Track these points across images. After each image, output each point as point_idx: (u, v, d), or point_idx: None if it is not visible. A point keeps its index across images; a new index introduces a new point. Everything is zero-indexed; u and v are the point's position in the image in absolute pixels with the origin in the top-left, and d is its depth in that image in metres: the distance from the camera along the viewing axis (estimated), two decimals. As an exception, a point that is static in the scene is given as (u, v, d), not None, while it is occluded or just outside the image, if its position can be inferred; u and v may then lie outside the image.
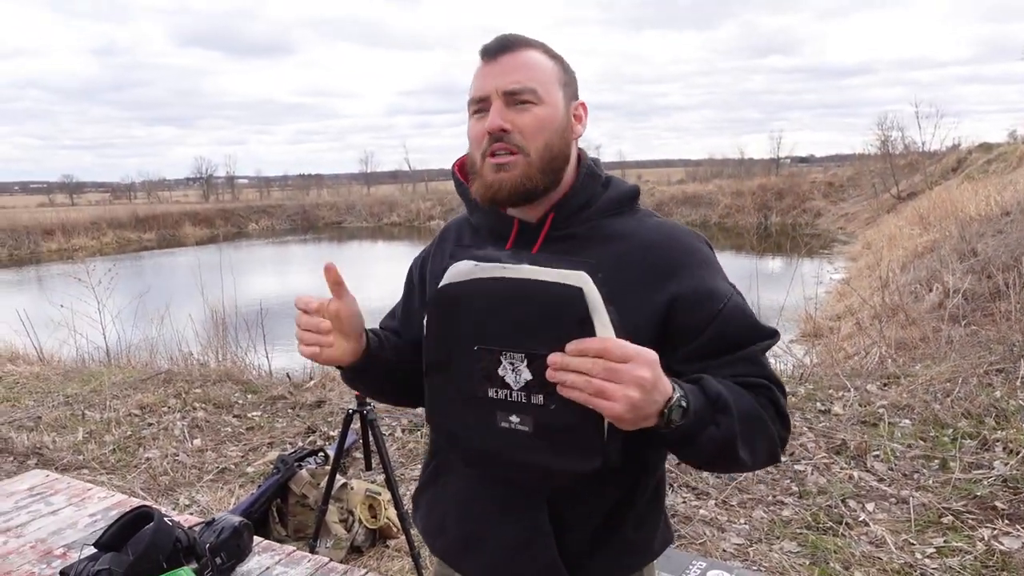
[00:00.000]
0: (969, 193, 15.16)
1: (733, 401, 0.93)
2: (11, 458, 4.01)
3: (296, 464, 3.07)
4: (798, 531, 2.89)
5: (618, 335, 0.85)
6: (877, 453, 3.45)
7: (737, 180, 36.62)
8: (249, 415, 4.64)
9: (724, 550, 2.80)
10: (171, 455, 4.01)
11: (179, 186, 73.77)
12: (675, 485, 3.32)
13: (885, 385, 4.39)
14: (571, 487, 1.00)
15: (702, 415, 0.90)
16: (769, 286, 6.65)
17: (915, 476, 3.23)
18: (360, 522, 2.90)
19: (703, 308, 0.99)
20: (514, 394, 0.93)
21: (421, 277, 1.23)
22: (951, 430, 3.59)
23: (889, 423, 3.75)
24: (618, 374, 0.81)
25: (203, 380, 5.43)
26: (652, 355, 0.83)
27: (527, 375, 0.91)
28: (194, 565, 1.26)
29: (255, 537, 1.45)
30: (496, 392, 0.94)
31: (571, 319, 0.86)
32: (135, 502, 1.56)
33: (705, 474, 3.41)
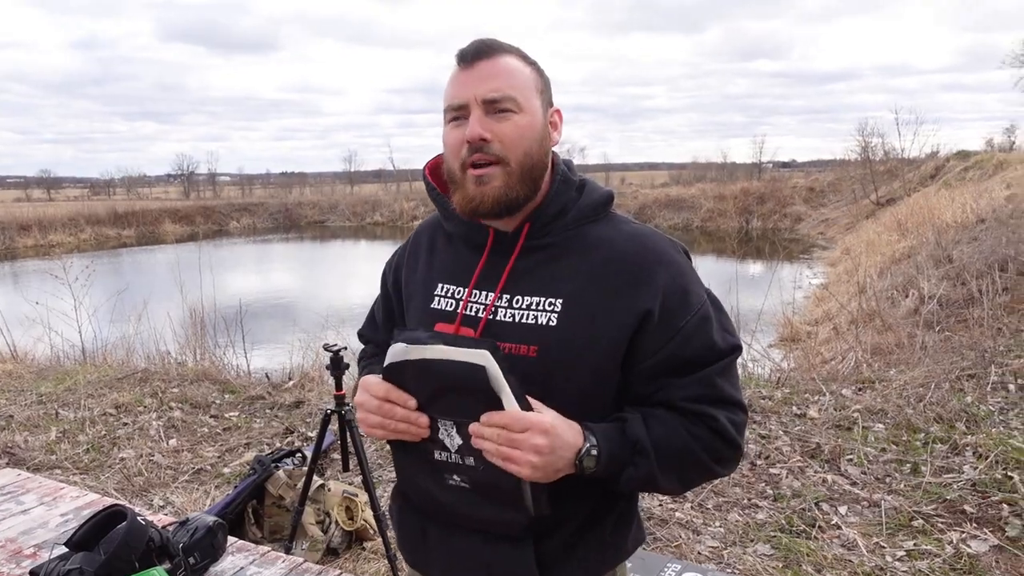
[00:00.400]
0: (946, 200, 15.43)
1: (654, 442, 0.99)
2: (-18, 458, 3.95)
3: (273, 465, 3.05)
4: (772, 534, 2.92)
5: (520, 403, 0.94)
6: (851, 457, 3.50)
7: (720, 184, 36.92)
8: (226, 415, 4.61)
9: (699, 552, 2.83)
10: (146, 455, 3.97)
11: (160, 183, 72.96)
12: (652, 488, 3.34)
13: (860, 390, 4.45)
14: (554, 490, 1.01)
15: (619, 458, 0.98)
16: (749, 290, 6.72)
17: (887, 480, 3.28)
18: (337, 524, 2.89)
19: (666, 325, 1.01)
20: (452, 456, 1.04)
21: (395, 282, 1.23)
22: (923, 434, 3.65)
23: (863, 427, 3.80)
24: (517, 443, 0.92)
25: (180, 379, 5.38)
26: (547, 422, 0.93)
27: (459, 440, 1.02)
28: (167, 565, 1.25)
29: (229, 537, 1.44)
30: (440, 454, 1.05)
31: (479, 392, 0.94)
32: (108, 502, 1.55)
33: (682, 477, 3.45)
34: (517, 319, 1.03)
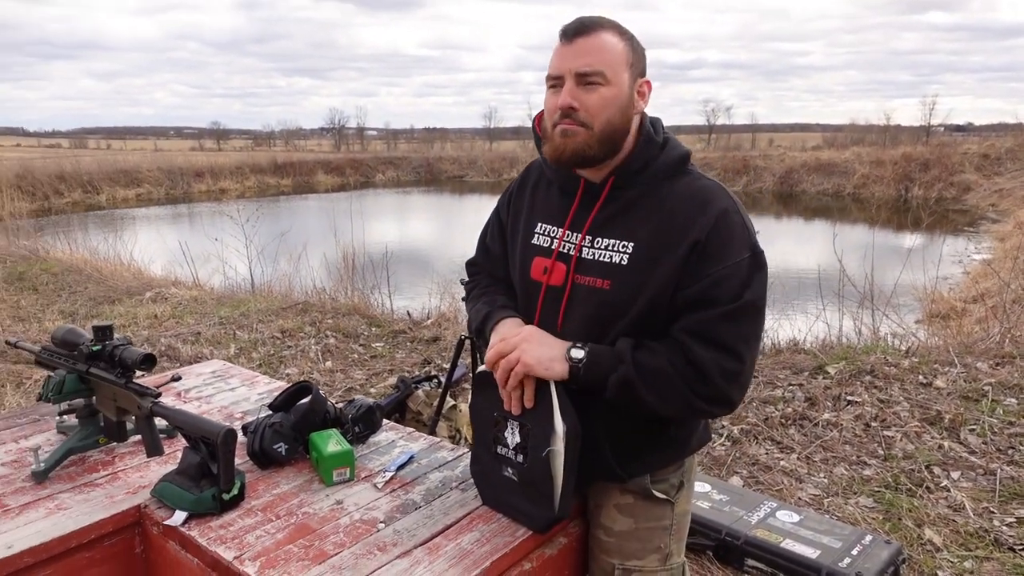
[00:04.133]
0: None
1: (634, 357, 1.20)
2: (179, 364, 4.71)
3: (414, 385, 3.48)
4: (876, 489, 3.00)
5: (563, 412, 1.24)
6: (973, 427, 3.45)
7: (879, 148, 34.20)
8: (373, 345, 5.16)
9: (799, 498, 2.96)
10: (307, 373, 4.56)
11: (314, 135, 77.57)
12: (759, 438, 3.48)
13: (997, 364, 4.27)
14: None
15: (603, 361, 1.22)
16: (898, 262, 6.40)
17: (1009, 451, 3.23)
18: (466, 440, 3.28)
19: (702, 264, 1.19)
20: (510, 452, 1.34)
21: (508, 213, 1.47)
22: (1059, 412, 3.51)
23: (993, 400, 3.70)
24: (511, 348, 1.26)
25: (334, 312, 6.02)
26: (525, 330, 1.29)
27: (518, 438, 1.32)
28: (340, 430, 1.63)
29: (384, 421, 1.81)
30: (501, 448, 1.36)
31: (541, 401, 1.28)
32: (291, 388, 1.96)
33: (792, 431, 3.55)
34: (597, 257, 1.26)
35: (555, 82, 1.22)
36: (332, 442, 1.54)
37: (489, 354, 1.29)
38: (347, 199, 23.21)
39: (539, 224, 1.37)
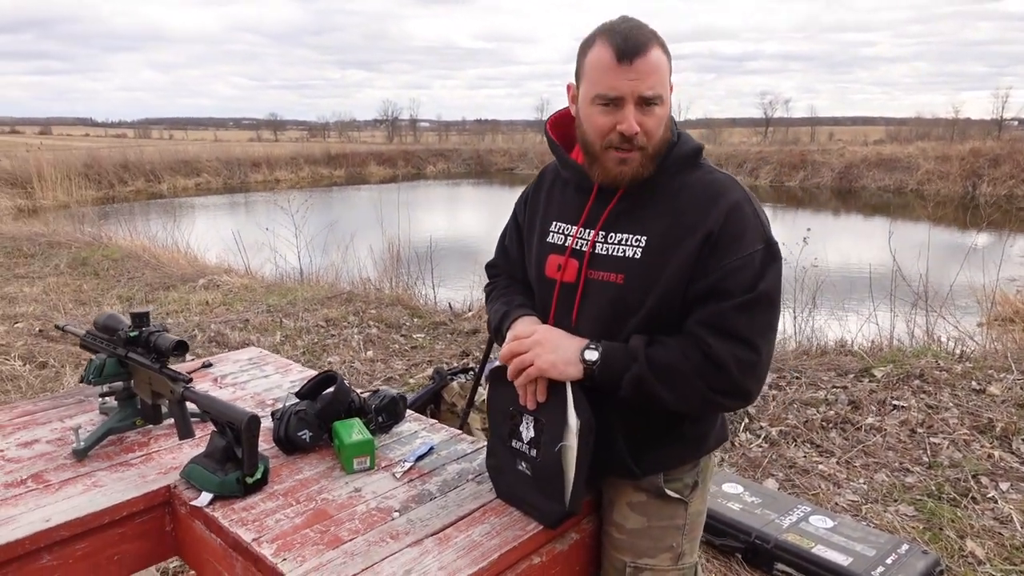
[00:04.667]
0: None
1: (648, 354, 1.19)
2: (227, 350, 4.86)
3: (449, 376, 3.52)
4: (918, 497, 2.91)
5: (578, 408, 1.24)
6: (1027, 436, 3.31)
7: (945, 143, 32.88)
8: (414, 336, 5.23)
9: (836, 503, 2.90)
10: (348, 361, 4.66)
11: (367, 127, 78.74)
12: (798, 440, 3.41)
13: (1058, 372, 4.09)
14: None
15: (617, 360, 1.21)
16: (963, 261, 6.13)
17: (1064, 463, 3.09)
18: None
19: (714, 257, 1.18)
20: (524, 446, 1.36)
21: (524, 215, 1.48)
22: (1122, 424, 3.34)
23: (1050, 409, 3.55)
24: (525, 348, 1.27)
25: (378, 302, 6.12)
26: (540, 332, 1.29)
27: (532, 433, 1.34)
28: (363, 419, 1.66)
29: (408, 411, 1.84)
30: (515, 443, 1.38)
31: (555, 397, 1.28)
32: (322, 377, 2.01)
33: (833, 434, 3.47)
34: (610, 252, 1.26)
35: (609, 101, 1.19)
36: (354, 431, 1.58)
37: (503, 352, 1.30)
38: (398, 190, 23.50)
39: (554, 223, 1.38)
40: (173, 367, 1.57)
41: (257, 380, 2.09)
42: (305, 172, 33.27)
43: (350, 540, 1.29)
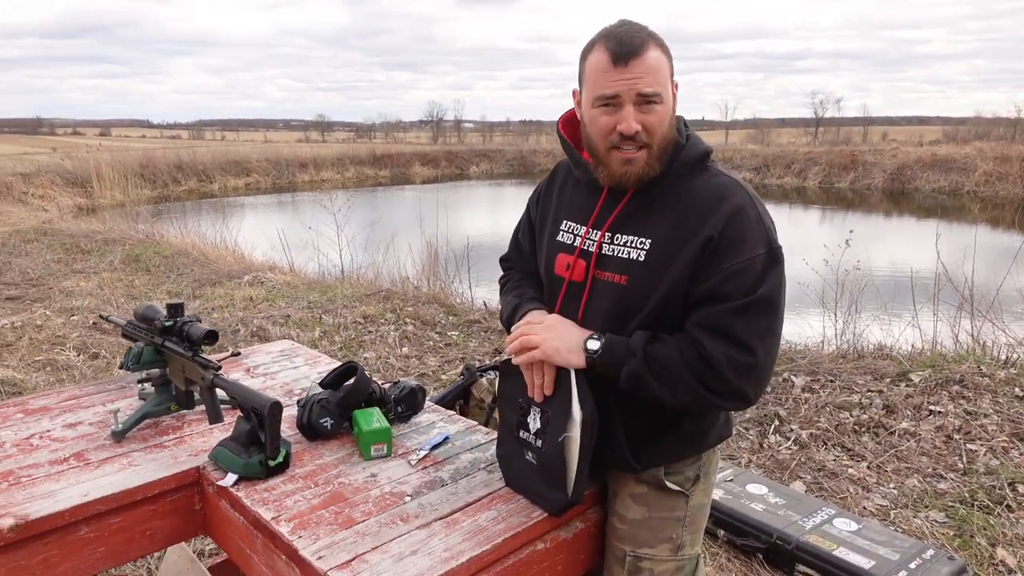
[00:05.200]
0: None
1: (646, 350, 1.22)
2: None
3: (478, 372, 3.58)
4: (949, 504, 2.86)
5: (582, 400, 1.28)
6: (1069, 445, 3.22)
7: (1005, 143, 31.70)
8: (448, 333, 5.31)
9: (864, 508, 2.86)
10: (384, 357, 4.76)
11: (412, 128, 79.63)
12: (829, 443, 3.37)
13: (1107, 380, 3.95)
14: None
15: (617, 354, 1.24)
16: (1010, 265, 5.94)
17: (1108, 473, 2.99)
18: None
19: (715, 260, 1.21)
20: (531, 436, 1.40)
21: (537, 212, 1.53)
22: None
23: (1096, 418, 3.44)
24: (531, 331, 1.33)
25: (415, 300, 6.23)
26: (548, 319, 1.34)
27: (538, 424, 1.38)
28: (382, 409, 1.73)
29: (427, 403, 1.90)
30: (523, 433, 1.42)
31: (562, 388, 1.33)
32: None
33: (865, 438, 3.42)
34: (616, 253, 1.30)
35: (610, 103, 1.22)
36: (372, 420, 1.64)
37: (512, 335, 1.35)
38: (440, 191, 23.72)
39: (565, 222, 1.42)
40: (206, 356, 1.66)
41: (287, 371, 2.18)
42: (351, 172, 33.80)
43: (362, 521, 1.35)
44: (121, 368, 1.81)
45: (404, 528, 1.33)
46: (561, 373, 1.33)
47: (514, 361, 1.37)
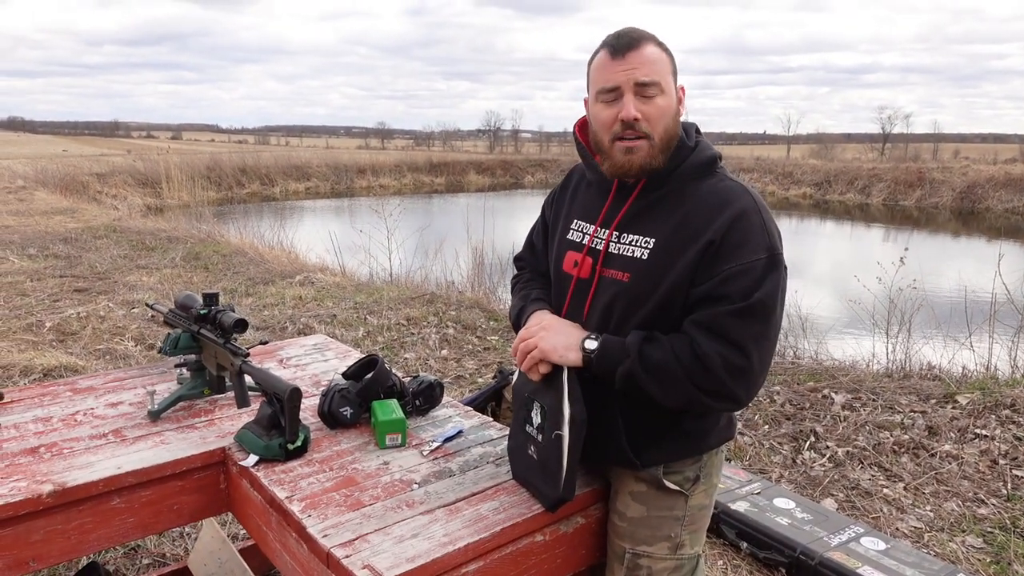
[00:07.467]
0: None
1: (640, 349, 1.24)
2: (312, 342, 5.17)
3: (511, 376, 3.62)
4: (989, 529, 2.76)
5: (572, 399, 1.32)
6: (1124, 476, 3.07)
7: (1087, 162, 30.17)
8: (488, 338, 5.37)
9: (897, 529, 2.79)
10: (423, 359, 4.85)
11: (470, 137, 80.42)
12: (865, 462, 3.29)
13: None
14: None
15: (612, 353, 1.27)
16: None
17: None
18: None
19: (715, 262, 1.23)
20: (534, 431, 1.43)
21: (551, 213, 1.57)
22: None
23: None
24: (530, 336, 1.38)
25: (458, 304, 6.32)
26: (545, 320, 1.39)
27: (539, 419, 1.41)
28: (400, 401, 1.79)
29: (445, 397, 1.96)
30: (528, 427, 1.46)
31: (559, 386, 1.35)
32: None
33: (904, 459, 3.33)
34: (621, 252, 1.33)
35: (609, 95, 1.27)
36: (389, 410, 1.70)
37: (514, 347, 1.40)
38: (492, 199, 23.91)
39: (575, 221, 1.46)
40: (236, 344, 1.75)
41: (317, 363, 2.27)
42: (407, 179, 34.34)
43: (370, 505, 1.41)
44: (159, 353, 1.92)
45: (408, 513, 1.38)
46: (556, 371, 1.36)
47: (520, 369, 1.42)
